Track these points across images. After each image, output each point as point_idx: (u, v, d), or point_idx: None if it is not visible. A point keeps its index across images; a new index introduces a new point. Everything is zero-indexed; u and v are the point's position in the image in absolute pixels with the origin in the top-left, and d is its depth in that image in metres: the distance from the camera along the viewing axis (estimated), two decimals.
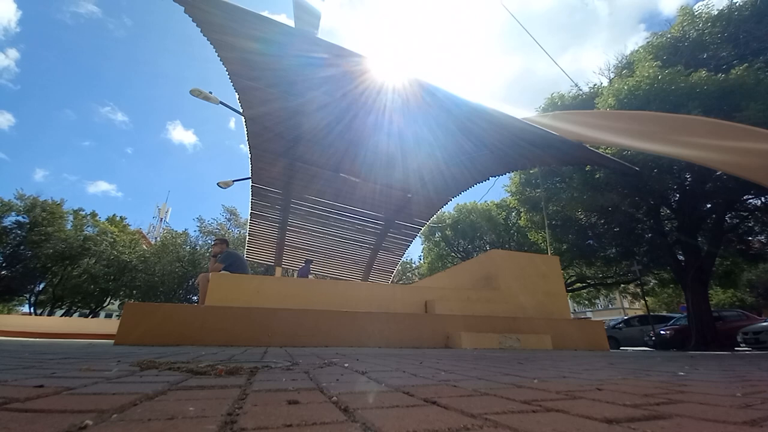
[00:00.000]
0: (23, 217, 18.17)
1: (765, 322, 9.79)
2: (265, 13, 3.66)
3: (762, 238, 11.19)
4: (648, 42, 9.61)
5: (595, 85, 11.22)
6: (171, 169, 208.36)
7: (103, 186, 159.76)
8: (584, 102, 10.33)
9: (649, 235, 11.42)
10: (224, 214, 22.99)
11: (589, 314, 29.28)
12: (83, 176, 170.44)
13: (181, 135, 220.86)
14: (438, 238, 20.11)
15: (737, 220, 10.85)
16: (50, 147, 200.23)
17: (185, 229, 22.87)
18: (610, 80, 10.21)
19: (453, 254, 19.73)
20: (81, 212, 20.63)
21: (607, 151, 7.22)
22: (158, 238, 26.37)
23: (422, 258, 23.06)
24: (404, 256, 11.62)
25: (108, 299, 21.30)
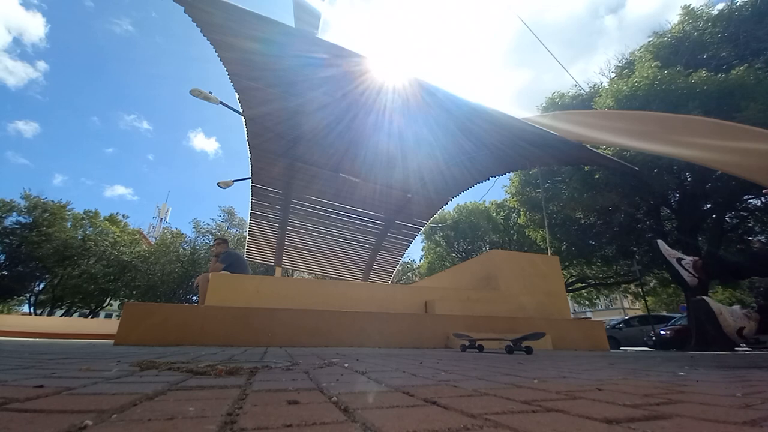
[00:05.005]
0: (24, 218, 18.19)
1: None
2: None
3: (762, 238, 11.20)
4: (649, 42, 9.60)
5: (595, 84, 11.26)
6: (188, 173, 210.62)
7: (120, 190, 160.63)
8: (584, 102, 10.34)
9: (649, 235, 11.43)
10: (221, 215, 22.96)
11: (589, 314, 29.27)
12: (101, 180, 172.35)
13: (202, 143, 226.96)
14: (438, 238, 20.13)
15: (737, 220, 10.86)
16: (73, 153, 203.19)
17: (178, 228, 22.83)
18: (610, 80, 10.20)
19: (453, 254, 19.74)
20: (87, 213, 20.68)
21: (607, 151, 7.22)
22: (157, 239, 26.42)
23: (422, 258, 23.07)
24: (404, 256, 11.62)
25: (108, 299, 21.31)
